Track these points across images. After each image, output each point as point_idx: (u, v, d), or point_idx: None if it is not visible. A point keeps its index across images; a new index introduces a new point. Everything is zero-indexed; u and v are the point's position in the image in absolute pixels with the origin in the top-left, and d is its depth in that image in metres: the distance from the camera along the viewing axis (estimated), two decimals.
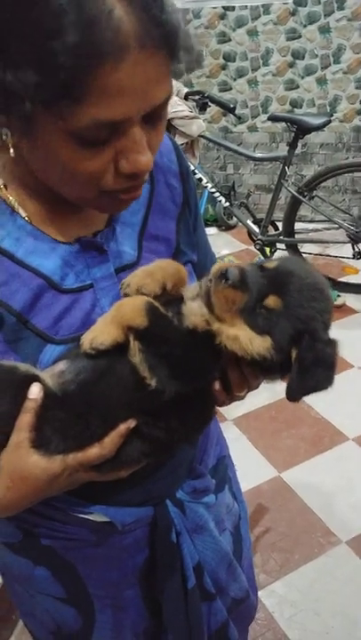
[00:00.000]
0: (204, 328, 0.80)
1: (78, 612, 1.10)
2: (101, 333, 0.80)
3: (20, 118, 0.66)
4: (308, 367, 0.79)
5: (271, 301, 0.79)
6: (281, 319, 0.78)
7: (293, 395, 0.82)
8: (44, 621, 1.14)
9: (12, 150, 0.74)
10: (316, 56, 4.80)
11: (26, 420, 0.78)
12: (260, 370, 0.84)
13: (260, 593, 2.15)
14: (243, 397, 0.91)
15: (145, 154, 0.72)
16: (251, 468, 2.79)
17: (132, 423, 0.82)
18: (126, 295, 0.84)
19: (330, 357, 0.81)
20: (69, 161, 0.70)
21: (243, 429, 3.06)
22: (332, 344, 0.81)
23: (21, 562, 1.07)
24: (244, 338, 0.78)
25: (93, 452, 0.81)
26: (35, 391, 0.79)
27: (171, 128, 3.72)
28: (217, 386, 0.85)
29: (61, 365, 0.83)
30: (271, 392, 3.25)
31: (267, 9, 4.69)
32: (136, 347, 0.79)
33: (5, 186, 0.84)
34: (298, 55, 4.84)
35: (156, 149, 0.77)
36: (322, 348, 0.79)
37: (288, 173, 3.95)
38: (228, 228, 5.39)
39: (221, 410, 3.06)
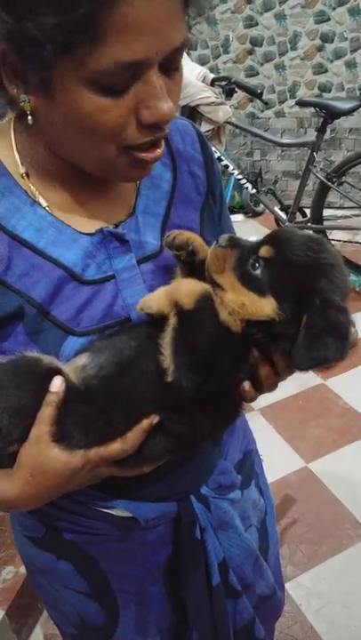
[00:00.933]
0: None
1: (102, 606, 1.09)
2: (153, 300, 0.81)
3: (39, 72, 0.66)
4: (319, 334, 0.74)
5: (263, 250, 0.77)
6: (278, 273, 0.76)
7: (300, 363, 0.77)
8: (68, 614, 1.14)
9: (30, 118, 0.73)
10: (346, 39, 4.70)
11: (47, 413, 0.77)
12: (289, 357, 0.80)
13: (287, 585, 2.15)
14: (273, 390, 0.88)
15: (166, 101, 0.71)
16: (278, 458, 2.77)
17: (155, 419, 0.80)
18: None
19: (343, 326, 0.76)
20: (89, 113, 0.69)
21: (269, 419, 3.03)
22: (346, 313, 0.77)
23: (44, 556, 1.06)
24: (248, 301, 0.76)
25: (116, 446, 0.79)
26: (57, 384, 0.78)
27: (197, 115, 3.67)
28: (247, 386, 0.82)
29: (83, 359, 0.82)
30: (298, 381, 3.22)
31: None
32: (172, 323, 0.78)
33: (27, 174, 0.83)
34: (327, 38, 4.75)
35: (176, 101, 0.75)
36: (334, 314, 0.75)
37: (316, 159, 3.88)
38: (255, 214, 5.34)
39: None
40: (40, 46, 0.63)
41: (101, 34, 0.62)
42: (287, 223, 4.05)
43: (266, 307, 0.76)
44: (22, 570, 2.06)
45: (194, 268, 0.86)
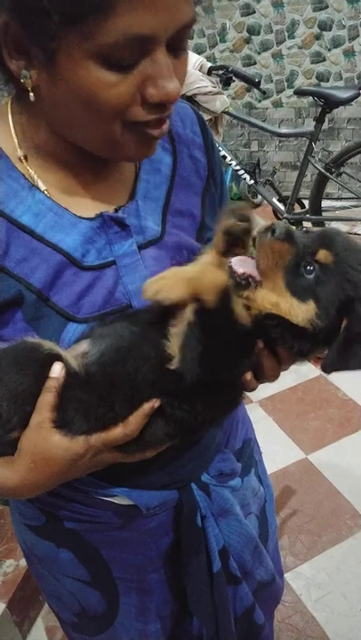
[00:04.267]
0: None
1: (102, 594, 1.09)
2: (171, 288, 0.75)
3: (44, 45, 0.64)
4: (354, 341, 0.74)
5: (322, 255, 0.74)
6: (329, 281, 0.73)
7: (331, 368, 0.76)
8: (69, 603, 1.14)
9: (31, 95, 0.71)
10: (344, 27, 4.67)
11: (47, 399, 0.76)
12: (297, 351, 0.79)
13: (287, 575, 2.16)
14: (275, 380, 0.87)
15: (172, 80, 0.70)
16: (277, 449, 2.78)
17: (156, 402, 0.79)
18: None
19: None
20: (94, 89, 0.67)
21: (268, 411, 3.03)
22: None
23: (45, 544, 1.06)
24: (285, 304, 0.73)
25: (117, 431, 0.78)
26: (57, 369, 0.77)
27: (194, 104, 3.65)
28: (249, 377, 0.81)
29: (84, 346, 0.81)
30: (298, 373, 3.22)
31: None
32: (188, 317, 0.75)
33: (26, 157, 0.81)
34: (325, 26, 4.73)
35: (182, 81, 0.74)
36: None
37: (315, 150, 3.87)
38: (253, 206, 5.31)
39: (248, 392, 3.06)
40: (46, 17, 0.62)
41: (111, 5, 0.61)
42: (285, 215, 4.04)
43: (303, 313, 0.73)
44: (23, 563, 2.07)
45: (235, 243, 0.81)
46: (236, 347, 0.77)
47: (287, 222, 3.98)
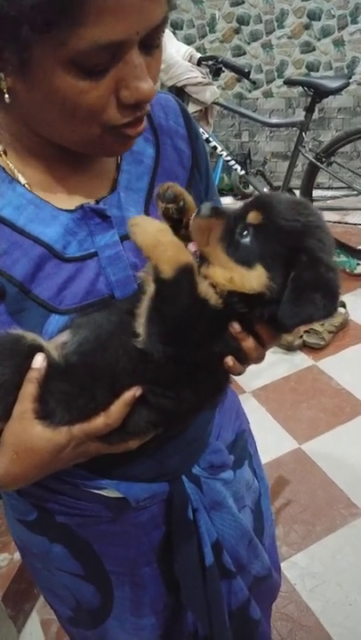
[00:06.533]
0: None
1: (97, 588, 1.09)
2: (143, 236, 0.75)
3: (17, 52, 0.64)
4: (305, 289, 0.72)
5: (251, 217, 0.74)
6: (267, 240, 0.74)
7: (286, 320, 0.73)
8: (64, 597, 1.14)
9: (7, 96, 0.71)
10: (333, 16, 4.66)
11: (29, 390, 0.76)
12: (268, 319, 0.77)
13: (282, 565, 2.15)
14: (260, 362, 0.86)
15: (146, 80, 0.70)
16: (271, 440, 2.78)
17: (137, 391, 0.79)
18: None
19: (332, 282, 0.74)
20: (69, 95, 0.67)
21: (262, 401, 3.03)
22: (335, 271, 0.75)
23: (38, 539, 1.06)
24: (236, 275, 0.74)
25: (99, 421, 0.79)
26: (39, 361, 0.77)
27: (184, 95, 3.62)
28: (230, 362, 0.80)
29: (64, 336, 0.81)
30: (290, 363, 3.22)
31: None
32: (149, 291, 0.75)
33: (5, 152, 0.81)
34: (314, 16, 4.71)
35: (155, 79, 0.74)
36: (323, 271, 0.73)
37: (305, 139, 3.86)
38: (245, 196, 5.31)
39: (240, 382, 3.05)
40: (16, 25, 0.61)
41: (81, 14, 0.60)
42: None
43: (256, 280, 0.73)
44: (17, 556, 2.07)
45: (178, 229, 0.82)
46: (201, 323, 0.76)
47: None
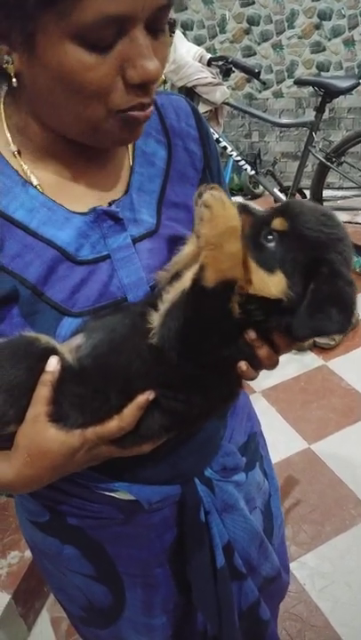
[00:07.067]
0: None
1: (109, 589, 1.09)
2: (213, 225, 0.71)
3: (22, 27, 0.65)
4: (323, 302, 0.73)
5: (277, 223, 0.74)
6: (290, 247, 0.74)
7: (300, 331, 0.74)
8: (76, 597, 1.15)
9: (14, 80, 0.72)
10: (344, 16, 4.64)
11: (43, 393, 0.77)
12: (284, 328, 0.77)
13: (291, 565, 2.15)
14: (274, 368, 0.86)
15: (152, 59, 0.69)
16: (280, 439, 2.78)
17: (150, 394, 0.79)
18: None
19: (348, 298, 0.74)
20: (74, 71, 0.67)
21: (272, 401, 3.03)
22: (353, 285, 0.75)
23: (49, 540, 1.06)
24: (256, 278, 0.73)
25: (113, 424, 0.78)
26: (53, 363, 0.77)
27: (194, 95, 3.63)
28: (244, 367, 0.80)
29: (78, 339, 0.81)
30: (300, 363, 3.22)
31: None
32: (186, 286, 0.74)
33: (19, 152, 0.81)
34: (324, 16, 4.70)
35: (163, 62, 0.74)
36: (342, 285, 0.73)
37: (315, 139, 3.85)
38: (255, 196, 5.30)
39: (250, 381, 3.06)
40: (23, 1, 0.62)
41: None
42: None
43: (275, 285, 0.73)
44: (28, 554, 2.07)
45: None
46: (219, 328, 0.76)
47: None
